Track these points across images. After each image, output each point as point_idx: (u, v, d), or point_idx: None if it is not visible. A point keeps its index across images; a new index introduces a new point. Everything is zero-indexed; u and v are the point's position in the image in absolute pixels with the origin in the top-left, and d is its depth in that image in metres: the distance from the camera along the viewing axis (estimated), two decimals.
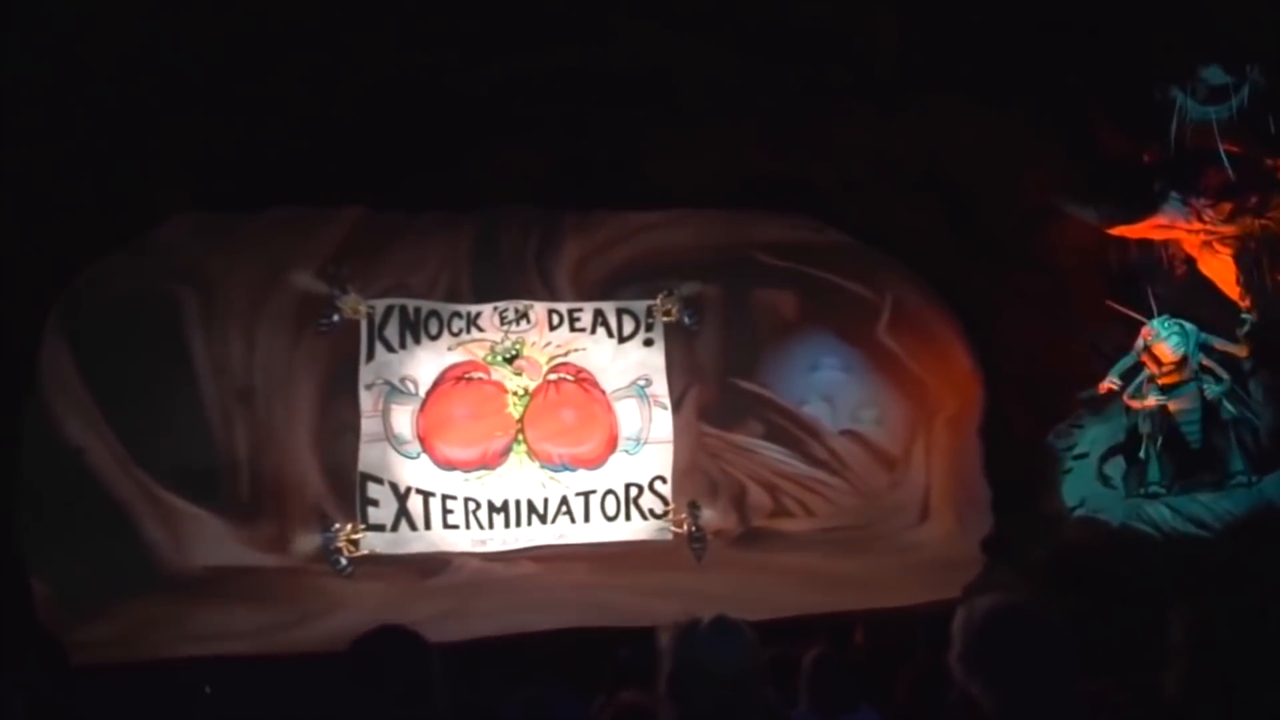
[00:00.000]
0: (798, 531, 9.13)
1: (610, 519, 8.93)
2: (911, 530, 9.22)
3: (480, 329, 8.93)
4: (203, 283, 8.37)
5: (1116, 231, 7.52)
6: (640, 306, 9.26)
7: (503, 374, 8.93)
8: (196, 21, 6.20)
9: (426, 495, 8.61)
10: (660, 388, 9.15)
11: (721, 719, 2.14)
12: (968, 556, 8.62)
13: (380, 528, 8.50)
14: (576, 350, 9.07)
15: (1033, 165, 7.71)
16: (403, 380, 8.74)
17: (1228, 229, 7.11)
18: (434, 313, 8.89)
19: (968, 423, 9.34)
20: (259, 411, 8.39)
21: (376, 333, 8.76)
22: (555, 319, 9.08)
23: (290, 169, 7.89)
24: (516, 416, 8.88)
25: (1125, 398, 7.70)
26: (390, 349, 8.76)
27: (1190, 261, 7.55)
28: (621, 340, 9.18)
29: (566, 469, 8.92)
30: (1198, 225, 7.14)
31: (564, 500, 8.85)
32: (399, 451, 8.64)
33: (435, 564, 8.55)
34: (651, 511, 9.00)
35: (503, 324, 8.96)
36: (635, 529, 8.97)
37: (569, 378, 9.04)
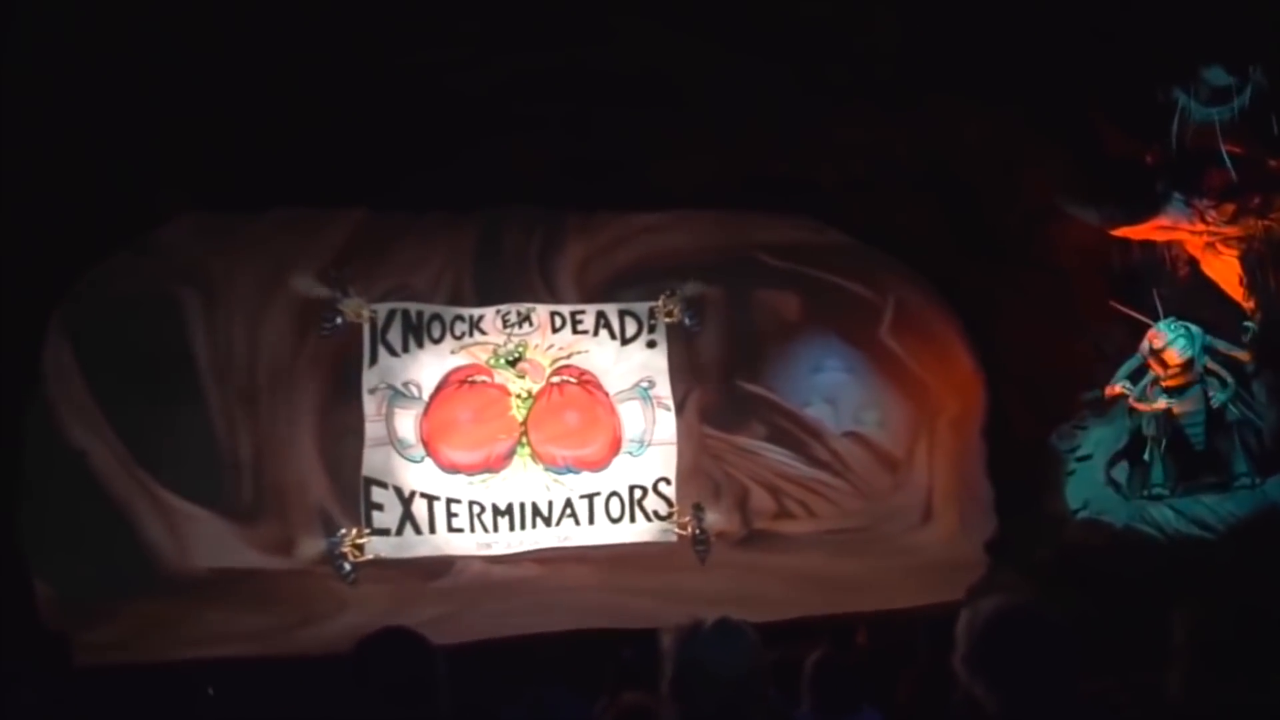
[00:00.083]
0: (800, 533, 9.12)
1: (614, 521, 8.93)
2: (914, 532, 9.21)
3: (483, 332, 8.93)
4: (205, 283, 8.36)
5: (1119, 233, 7.51)
6: (643, 308, 9.26)
7: (506, 377, 8.92)
8: (198, 22, 6.20)
9: (431, 499, 8.61)
10: (663, 389, 9.14)
11: None
12: (970, 558, 8.61)
13: (385, 532, 8.50)
14: (579, 352, 9.07)
15: (1034, 165, 7.71)
16: (406, 384, 8.74)
17: (1231, 230, 7.09)
18: (436, 316, 8.89)
19: (970, 424, 9.33)
20: (262, 412, 8.39)
21: (379, 337, 8.75)
22: (558, 321, 9.08)
23: (292, 170, 7.89)
24: (520, 419, 8.88)
25: (1132, 400, 7.69)
26: (393, 353, 8.76)
27: (1193, 263, 7.54)
28: (624, 342, 9.18)
29: (570, 471, 8.91)
30: (1200, 226, 7.13)
31: (568, 503, 8.85)
32: (403, 455, 8.63)
33: (439, 566, 8.55)
34: (656, 513, 9.00)
35: (505, 327, 8.96)
36: (639, 531, 8.97)
37: (572, 380, 9.04)
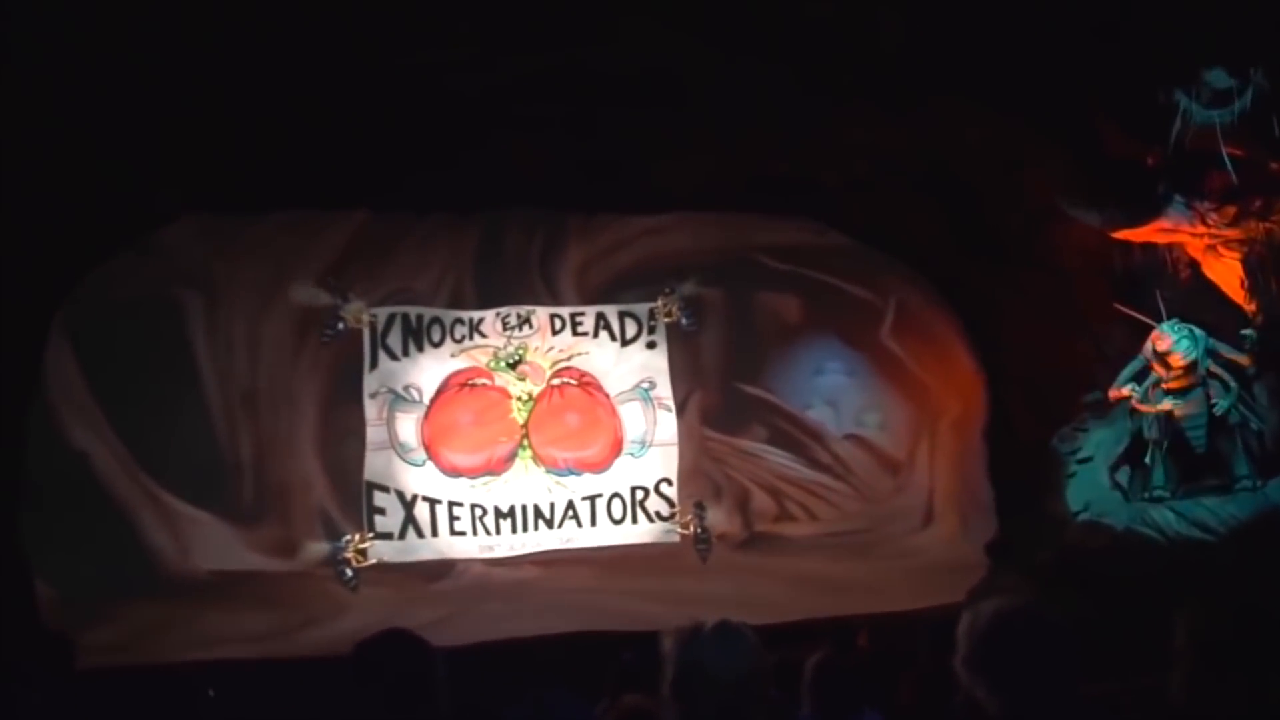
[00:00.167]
0: (801, 536, 9.12)
1: (616, 522, 8.93)
2: (915, 534, 9.22)
3: (483, 335, 8.93)
4: (206, 286, 8.37)
5: (1120, 235, 7.50)
6: (642, 309, 9.26)
7: (506, 379, 8.92)
8: (199, 23, 6.20)
9: (433, 502, 8.61)
10: (664, 390, 9.14)
11: None
12: (971, 560, 8.61)
13: (388, 536, 8.49)
14: (579, 354, 9.07)
15: (1036, 167, 7.70)
16: (407, 388, 8.73)
17: (1232, 233, 7.08)
18: (436, 319, 8.89)
19: (972, 426, 9.33)
20: (263, 415, 8.39)
21: (379, 341, 8.76)
22: (558, 323, 9.08)
23: (294, 172, 7.90)
24: (521, 422, 8.88)
25: (1134, 402, 7.68)
26: (394, 357, 8.76)
27: (1194, 265, 7.53)
28: (624, 343, 9.18)
29: (572, 473, 8.91)
30: (1202, 229, 7.12)
31: (570, 504, 8.85)
32: (404, 459, 8.63)
33: (439, 569, 8.55)
34: (658, 514, 9.00)
35: (505, 329, 8.96)
36: (641, 532, 8.97)
37: (573, 382, 9.04)
